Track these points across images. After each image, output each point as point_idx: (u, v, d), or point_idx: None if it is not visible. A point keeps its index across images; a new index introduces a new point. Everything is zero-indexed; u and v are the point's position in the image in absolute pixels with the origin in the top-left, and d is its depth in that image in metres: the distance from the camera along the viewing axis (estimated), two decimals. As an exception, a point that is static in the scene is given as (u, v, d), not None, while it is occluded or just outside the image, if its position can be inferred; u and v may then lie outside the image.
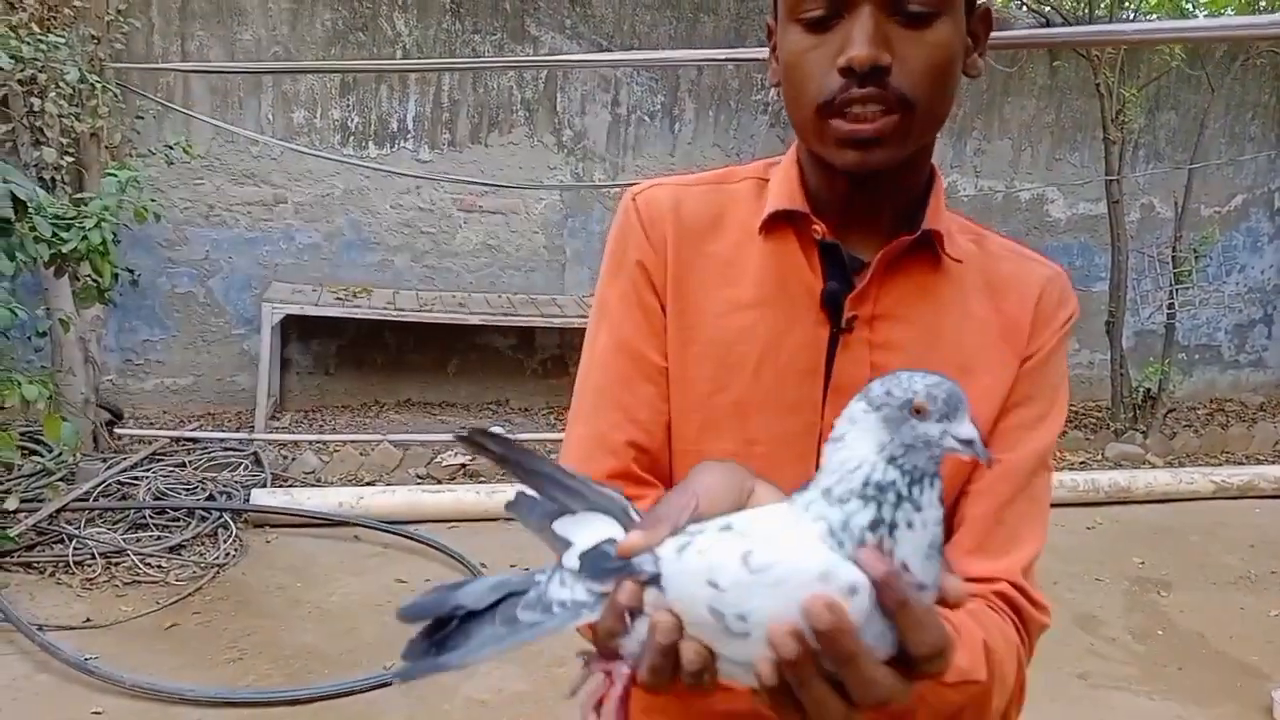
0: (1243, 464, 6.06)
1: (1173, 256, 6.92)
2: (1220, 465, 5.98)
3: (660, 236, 0.96)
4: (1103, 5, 6.52)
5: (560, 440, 1.04)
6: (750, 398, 0.92)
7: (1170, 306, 6.95)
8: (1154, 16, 6.98)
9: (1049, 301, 0.98)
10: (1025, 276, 0.98)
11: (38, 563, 3.90)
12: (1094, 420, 7.00)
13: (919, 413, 0.60)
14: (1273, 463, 6.09)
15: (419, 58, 5.92)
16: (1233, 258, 7.75)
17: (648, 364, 0.95)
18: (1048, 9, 6.49)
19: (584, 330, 1.01)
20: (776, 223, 0.94)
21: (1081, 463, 6.07)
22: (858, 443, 0.61)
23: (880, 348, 0.91)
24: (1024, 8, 6.88)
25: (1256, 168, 7.61)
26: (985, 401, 0.93)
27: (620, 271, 0.99)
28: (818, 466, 0.65)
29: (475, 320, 5.65)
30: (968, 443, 0.60)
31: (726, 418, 0.93)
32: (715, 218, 0.97)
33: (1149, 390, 6.64)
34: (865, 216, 0.93)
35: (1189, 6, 7.60)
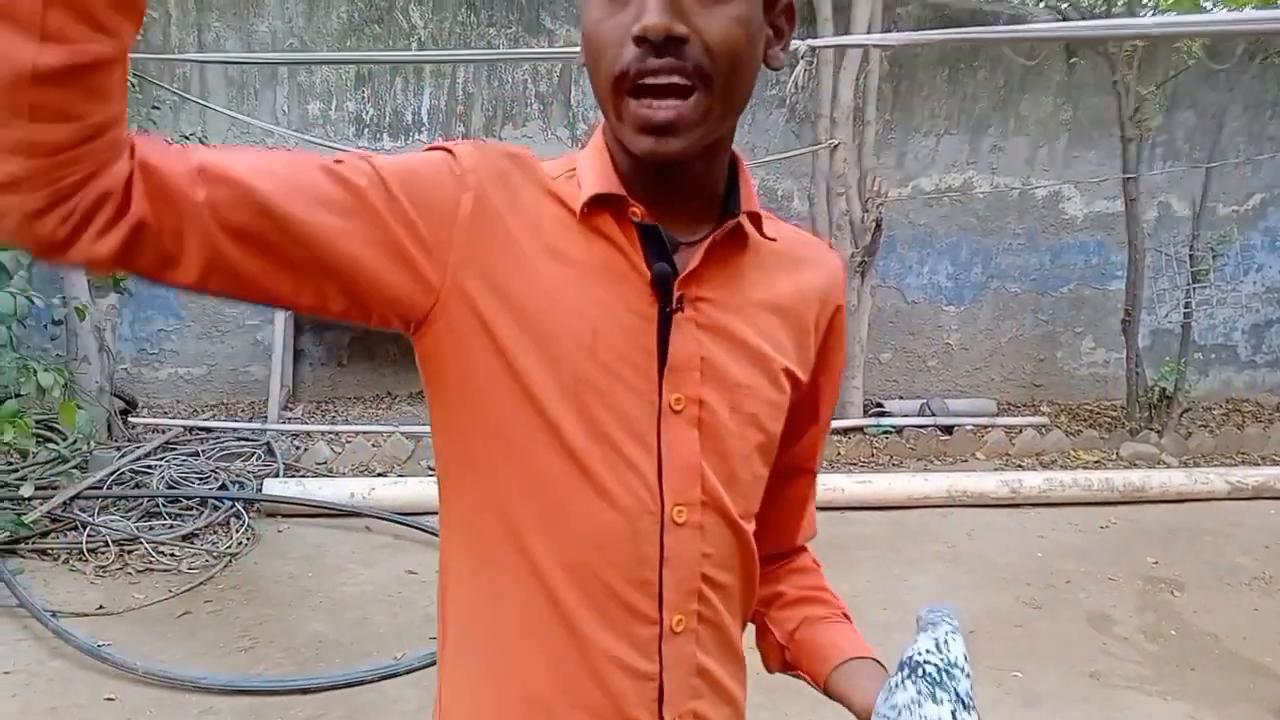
0: (1258, 465, 6.02)
1: (1190, 255, 6.88)
2: (1235, 466, 5.94)
3: (488, 191, 0.88)
4: (1120, 2, 6.48)
5: None
6: (589, 375, 0.88)
7: (1187, 306, 6.91)
8: (1172, 13, 6.92)
9: (838, 288, 1.03)
10: (819, 258, 1.03)
11: (52, 549, 3.93)
12: (1109, 419, 6.96)
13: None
14: (1288, 464, 6.05)
15: (434, 50, 5.93)
16: (1250, 257, 7.70)
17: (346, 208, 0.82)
18: (1065, 5, 6.44)
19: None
20: (594, 207, 0.90)
21: (1096, 462, 6.04)
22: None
23: (706, 329, 0.92)
24: (1041, 4, 6.84)
25: (1275, 167, 7.55)
26: (779, 384, 0.97)
27: (410, 169, 0.86)
28: (658, 449, 0.89)
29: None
30: None
31: (566, 395, 0.88)
32: (538, 195, 0.91)
33: (1165, 390, 6.60)
34: (672, 200, 0.92)
35: (1208, 4, 7.54)
